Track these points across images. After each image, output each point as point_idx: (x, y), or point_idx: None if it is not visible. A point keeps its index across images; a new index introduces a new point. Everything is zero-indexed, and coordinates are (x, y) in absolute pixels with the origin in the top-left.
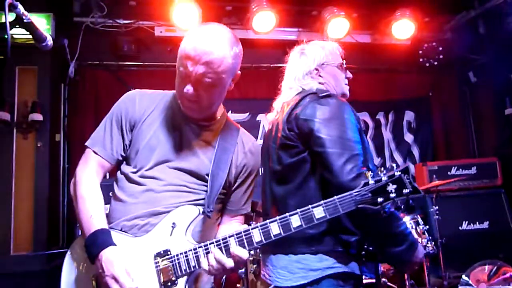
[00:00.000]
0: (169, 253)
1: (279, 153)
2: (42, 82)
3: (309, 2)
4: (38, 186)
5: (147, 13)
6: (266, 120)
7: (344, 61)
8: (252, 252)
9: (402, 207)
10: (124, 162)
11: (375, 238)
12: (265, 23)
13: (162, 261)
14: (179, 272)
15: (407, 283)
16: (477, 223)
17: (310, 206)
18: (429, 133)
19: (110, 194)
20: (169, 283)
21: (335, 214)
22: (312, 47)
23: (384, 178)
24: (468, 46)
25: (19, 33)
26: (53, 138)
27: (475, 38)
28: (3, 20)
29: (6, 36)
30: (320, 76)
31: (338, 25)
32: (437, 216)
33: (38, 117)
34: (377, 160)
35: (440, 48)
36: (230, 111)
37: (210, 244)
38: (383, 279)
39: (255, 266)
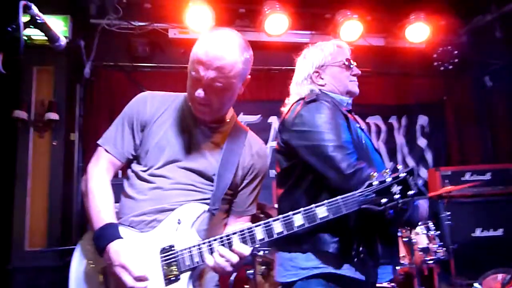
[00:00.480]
0: (173, 248)
1: (278, 157)
2: (59, 82)
3: (322, 5)
4: (53, 184)
5: (161, 16)
6: (278, 122)
7: (346, 58)
8: (261, 253)
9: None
10: (135, 161)
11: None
12: (277, 25)
13: (167, 256)
14: (182, 267)
15: None
16: (491, 230)
17: (313, 205)
18: (443, 138)
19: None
20: (173, 278)
21: (338, 214)
22: (312, 50)
23: (389, 179)
24: (484, 50)
25: (37, 34)
26: (68, 137)
27: (491, 42)
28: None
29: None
30: (321, 78)
31: (351, 28)
32: (449, 222)
33: (54, 116)
34: (389, 164)
35: (456, 52)
36: (241, 113)
37: (213, 240)
38: (392, 284)
39: (263, 267)
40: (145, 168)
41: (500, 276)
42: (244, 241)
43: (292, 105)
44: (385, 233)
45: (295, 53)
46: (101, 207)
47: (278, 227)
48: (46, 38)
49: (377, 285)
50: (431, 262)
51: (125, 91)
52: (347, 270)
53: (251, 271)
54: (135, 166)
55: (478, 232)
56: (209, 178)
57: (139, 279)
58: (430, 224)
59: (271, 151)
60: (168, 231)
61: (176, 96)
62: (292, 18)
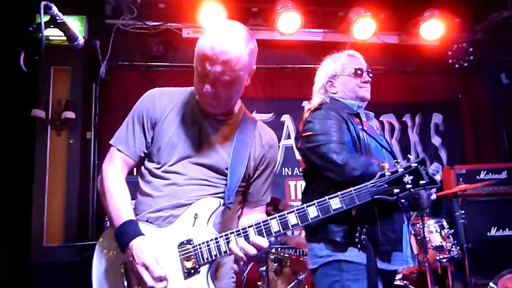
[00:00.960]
0: (192, 242)
1: (302, 159)
2: (75, 81)
3: (335, 3)
4: (70, 181)
5: (175, 15)
6: (290, 121)
7: (356, 68)
8: (273, 250)
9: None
10: (147, 158)
11: None
12: (290, 24)
13: (185, 250)
14: (201, 260)
15: None
16: (507, 229)
17: (327, 197)
18: (457, 136)
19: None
20: (192, 271)
21: (351, 205)
22: (326, 62)
23: (401, 170)
24: (501, 47)
25: (54, 35)
26: (85, 136)
27: (508, 39)
28: (39, 21)
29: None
30: (333, 86)
31: (365, 26)
32: (463, 221)
33: (71, 115)
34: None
35: (471, 49)
36: (254, 111)
37: (230, 233)
38: (405, 282)
39: (276, 264)
40: (158, 166)
41: None
42: (260, 233)
43: (304, 114)
44: (388, 221)
45: (308, 51)
46: (120, 204)
47: (293, 219)
48: (64, 37)
49: (390, 269)
50: (444, 260)
51: (140, 90)
52: (354, 256)
53: (264, 268)
54: (148, 164)
55: (493, 231)
56: (221, 172)
57: (159, 279)
58: (444, 223)
59: (283, 149)
60: (185, 225)
61: (183, 91)
62: (305, 16)
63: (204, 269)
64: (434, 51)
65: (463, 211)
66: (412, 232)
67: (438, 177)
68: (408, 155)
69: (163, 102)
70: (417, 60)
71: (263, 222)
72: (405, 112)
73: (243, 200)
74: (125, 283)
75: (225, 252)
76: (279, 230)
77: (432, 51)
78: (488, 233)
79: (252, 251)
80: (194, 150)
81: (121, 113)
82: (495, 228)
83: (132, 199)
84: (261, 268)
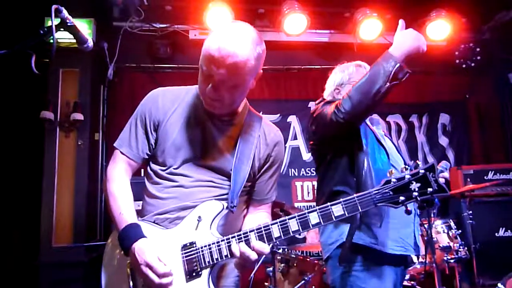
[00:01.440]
0: (194, 245)
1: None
2: (83, 83)
3: (341, 4)
4: (78, 182)
5: (182, 17)
6: (297, 121)
7: None
8: (280, 250)
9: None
10: (153, 160)
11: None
12: (296, 25)
13: (188, 252)
14: (203, 263)
15: None
16: None
17: (329, 204)
18: (465, 137)
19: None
20: (194, 274)
21: (354, 212)
22: (335, 71)
23: (407, 176)
24: (508, 47)
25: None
26: (93, 137)
27: None
28: (49, 25)
29: (52, 40)
30: (340, 94)
31: (371, 27)
32: (471, 221)
33: (79, 116)
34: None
35: (478, 49)
36: (261, 112)
37: (232, 237)
38: (412, 282)
39: (283, 265)
40: (164, 167)
41: None
42: (260, 238)
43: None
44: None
45: (314, 52)
46: (123, 208)
47: (294, 225)
48: (73, 40)
49: (390, 252)
50: (452, 261)
51: (147, 92)
52: (357, 238)
53: (271, 269)
54: (153, 165)
55: (501, 232)
56: (226, 174)
57: (164, 275)
58: (452, 223)
59: (290, 150)
60: (189, 228)
61: (187, 90)
62: (311, 17)
63: (205, 272)
64: (441, 51)
65: (470, 212)
66: (420, 233)
67: (446, 174)
68: (417, 161)
69: (166, 102)
70: (424, 61)
71: (264, 227)
72: (412, 113)
73: (248, 198)
74: (131, 283)
75: (226, 256)
76: (280, 236)
77: (439, 51)
78: (496, 234)
79: (253, 255)
80: (199, 152)
81: (128, 114)
82: (503, 228)
83: (139, 200)
84: (268, 269)
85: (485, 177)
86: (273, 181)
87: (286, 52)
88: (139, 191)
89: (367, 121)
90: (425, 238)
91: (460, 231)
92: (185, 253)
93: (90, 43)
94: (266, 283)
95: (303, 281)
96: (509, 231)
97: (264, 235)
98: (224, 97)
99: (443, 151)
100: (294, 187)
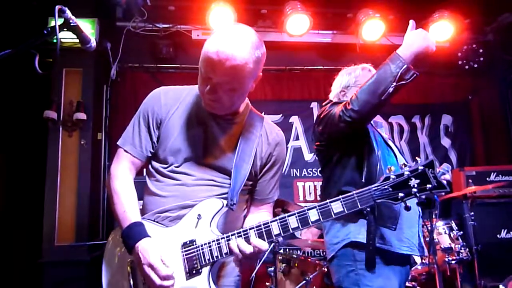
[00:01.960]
0: (194, 243)
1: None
2: (86, 83)
3: (344, 4)
4: (81, 181)
5: (185, 17)
6: (299, 122)
7: None
8: (281, 251)
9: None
10: (154, 158)
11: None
12: (299, 26)
13: (188, 250)
14: (203, 261)
15: None
16: None
17: (328, 200)
18: (467, 138)
19: None
20: (194, 271)
21: (353, 209)
22: (342, 73)
23: (407, 173)
24: (511, 48)
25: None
26: (96, 137)
27: None
28: (53, 25)
29: (55, 40)
30: (346, 96)
31: (373, 27)
32: (473, 222)
33: (82, 116)
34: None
35: (481, 51)
36: (263, 113)
37: (231, 235)
38: (413, 283)
39: (284, 265)
40: (165, 165)
41: None
42: (260, 235)
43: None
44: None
45: (317, 53)
46: (126, 206)
47: (294, 222)
48: (76, 40)
49: (398, 252)
50: (453, 262)
51: (150, 92)
52: (363, 237)
53: (272, 268)
54: (155, 163)
55: (503, 233)
56: (228, 172)
57: (166, 278)
58: (453, 224)
59: (292, 151)
60: (189, 226)
61: (190, 89)
62: (314, 18)
63: (205, 270)
64: (444, 52)
65: (472, 213)
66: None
67: (447, 177)
68: (416, 158)
69: (168, 101)
70: (426, 61)
71: (263, 224)
72: (414, 114)
73: (250, 198)
74: (131, 281)
75: (226, 253)
76: (280, 233)
77: (442, 52)
78: (498, 235)
79: (250, 251)
80: (201, 150)
81: (131, 114)
82: (505, 230)
83: (141, 199)
84: (269, 269)
85: (487, 179)
86: (275, 181)
87: (288, 53)
88: (141, 191)
89: (372, 123)
90: (426, 239)
91: (461, 232)
92: (185, 251)
93: (93, 43)
94: (267, 283)
95: (304, 281)
96: (511, 232)
97: (264, 232)
98: (222, 99)
99: (445, 152)
100: (296, 187)
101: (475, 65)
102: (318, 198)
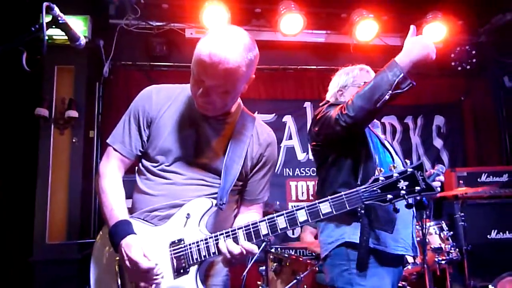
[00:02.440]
0: (182, 242)
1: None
2: (79, 80)
3: (338, 4)
4: (72, 179)
5: (179, 16)
6: (292, 121)
7: (365, 81)
8: (273, 250)
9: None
10: (145, 156)
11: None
12: (293, 25)
13: (176, 249)
14: (191, 260)
15: None
16: (507, 232)
17: (317, 201)
18: (459, 139)
19: None
20: (182, 271)
21: (341, 210)
22: (340, 73)
23: (395, 175)
24: (504, 50)
25: (58, 34)
26: (87, 134)
27: (511, 41)
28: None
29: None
30: (343, 95)
31: (367, 28)
32: (463, 223)
33: (74, 114)
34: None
35: (474, 52)
36: (256, 112)
37: (220, 235)
38: (403, 283)
39: (276, 264)
40: (156, 164)
41: None
42: (248, 235)
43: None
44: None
45: (311, 52)
46: (114, 205)
47: (282, 223)
48: (67, 37)
49: (392, 252)
50: (443, 262)
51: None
52: (358, 237)
53: (263, 268)
54: (145, 162)
55: (493, 234)
56: (218, 172)
57: (147, 271)
58: (444, 225)
59: (285, 150)
60: (177, 225)
61: (182, 88)
62: (308, 17)
63: (193, 269)
64: (437, 54)
65: (463, 214)
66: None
67: (442, 178)
68: (406, 160)
69: (160, 99)
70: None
71: (252, 224)
72: (407, 114)
73: (240, 198)
74: (119, 281)
75: (213, 253)
76: (268, 233)
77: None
78: (488, 236)
79: (239, 252)
80: (191, 150)
81: (124, 112)
82: (496, 231)
83: (130, 198)
84: (260, 268)
85: (478, 179)
86: (265, 182)
87: (282, 52)
88: (131, 189)
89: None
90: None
91: (451, 232)
92: (173, 250)
93: (83, 40)
94: (258, 282)
95: (295, 280)
96: (501, 233)
97: (252, 232)
98: (215, 101)
99: (438, 153)
100: (289, 187)
101: (468, 67)
102: (311, 198)
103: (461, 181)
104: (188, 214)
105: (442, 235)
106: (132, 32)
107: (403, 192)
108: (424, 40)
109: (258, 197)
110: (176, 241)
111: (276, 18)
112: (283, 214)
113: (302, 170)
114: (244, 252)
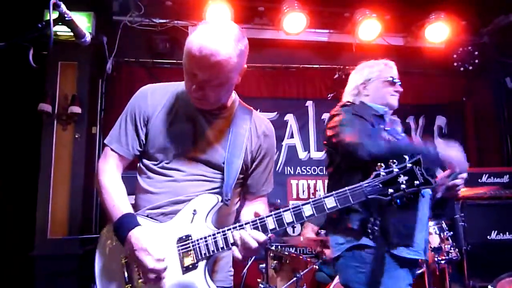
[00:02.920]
0: (190, 238)
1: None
2: (82, 76)
3: (341, 4)
4: (75, 175)
5: (182, 13)
6: (294, 120)
7: (391, 76)
8: (273, 248)
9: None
10: (144, 155)
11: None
12: (296, 24)
13: (183, 245)
14: (199, 256)
15: None
16: (507, 233)
17: (322, 196)
18: (461, 139)
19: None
20: (190, 266)
21: (346, 204)
22: (363, 65)
23: (396, 170)
24: (506, 51)
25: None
26: (90, 130)
27: None
28: (47, 18)
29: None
30: (366, 89)
31: (370, 27)
32: (463, 223)
33: (77, 109)
34: None
35: (476, 53)
36: (258, 110)
37: (227, 230)
38: None
39: (275, 262)
40: (156, 162)
41: None
42: (256, 230)
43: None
44: (402, 216)
45: (313, 51)
46: (116, 200)
47: (288, 217)
48: (72, 34)
49: (406, 256)
50: (443, 262)
51: None
52: (366, 240)
53: (263, 265)
54: (145, 161)
55: (493, 235)
56: (218, 167)
57: (159, 260)
58: (444, 225)
59: (286, 148)
60: (184, 221)
61: (177, 85)
62: (311, 16)
63: (201, 264)
64: (439, 54)
65: (463, 214)
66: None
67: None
68: (404, 155)
69: (156, 98)
70: (422, 63)
71: (259, 219)
72: (408, 114)
73: (243, 192)
74: (126, 273)
75: (222, 247)
76: (275, 228)
77: (437, 53)
78: (488, 237)
79: (253, 242)
80: (190, 146)
81: None
82: (496, 231)
83: (132, 194)
84: (260, 265)
85: (479, 180)
86: (267, 173)
87: (285, 51)
88: (132, 185)
89: (388, 120)
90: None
91: (451, 232)
92: (181, 246)
93: (88, 37)
94: (258, 280)
95: (295, 278)
96: (501, 234)
97: (259, 227)
98: (209, 95)
99: None
100: (290, 185)
101: (470, 67)
102: (312, 197)
103: None
104: (194, 211)
105: (442, 235)
106: (135, 29)
107: (403, 186)
108: (462, 155)
109: (262, 189)
110: (184, 237)
111: (279, 16)
112: (289, 209)
113: (303, 168)
114: (254, 240)
